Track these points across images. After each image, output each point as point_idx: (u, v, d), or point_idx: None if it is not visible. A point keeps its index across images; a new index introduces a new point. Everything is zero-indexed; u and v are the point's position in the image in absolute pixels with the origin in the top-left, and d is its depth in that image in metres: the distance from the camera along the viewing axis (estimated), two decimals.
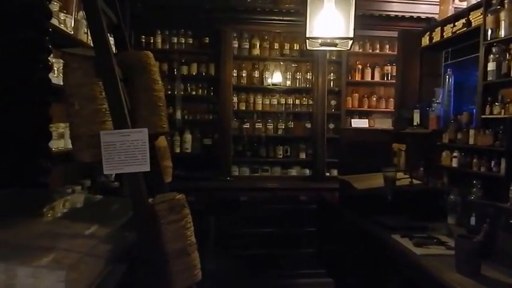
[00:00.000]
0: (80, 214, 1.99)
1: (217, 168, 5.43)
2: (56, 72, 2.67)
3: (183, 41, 5.48)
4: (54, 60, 2.60)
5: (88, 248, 1.44)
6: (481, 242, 2.27)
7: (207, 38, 5.52)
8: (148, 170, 1.73)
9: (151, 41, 5.38)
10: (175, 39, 5.47)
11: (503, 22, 3.55)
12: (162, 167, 2.23)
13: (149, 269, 1.72)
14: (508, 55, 3.54)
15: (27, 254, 1.32)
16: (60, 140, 2.78)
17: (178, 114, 5.47)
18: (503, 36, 3.55)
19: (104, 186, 3.43)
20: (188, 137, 5.48)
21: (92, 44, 1.76)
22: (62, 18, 2.86)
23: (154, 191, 1.97)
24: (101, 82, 1.71)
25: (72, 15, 3.07)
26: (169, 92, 5.37)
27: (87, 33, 3.16)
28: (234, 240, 5.12)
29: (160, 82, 2.03)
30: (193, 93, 5.54)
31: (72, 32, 3.04)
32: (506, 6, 3.51)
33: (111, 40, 2.08)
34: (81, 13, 3.17)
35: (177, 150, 5.42)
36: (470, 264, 2.25)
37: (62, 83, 1.80)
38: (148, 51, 2.04)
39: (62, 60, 2.31)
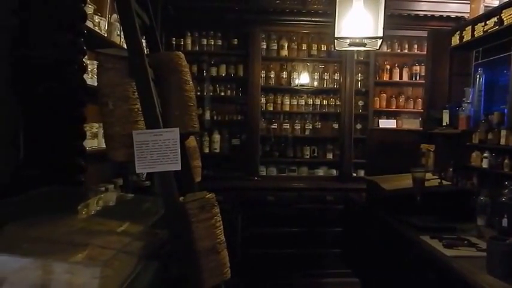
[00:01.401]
0: (114, 212, 2.03)
1: (245, 168, 5.46)
2: (89, 73, 2.73)
3: (212, 43, 5.53)
4: (88, 62, 2.66)
5: (122, 245, 1.47)
6: None
7: (236, 40, 5.56)
8: (180, 169, 1.76)
9: (182, 43, 5.44)
10: (204, 41, 5.51)
11: None
12: (191, 166, 2.27)
13: (181, 266, 1.75)
14: None
15: (64, 250, 1.36)
16: (94, 140, 2.83)
17: (207, 115, 5.52)
18: None
19: (135, 185, 3.49)
20: (217, 137, 5.53)
21: (124, 46, 1.80)
22: (96, 20, 2.91)
23: (184, 190, 2.00)
24: (134, 82, 1.75)
25: (105, 17, 3.12)
26: (199, 93, 5.41)
27: (120, 35, 3.21)
28: (261, 240, 5.14)
29: (191, 82, 2.06)
30: (222, 94, 5.59)
31: (106, 34, 3.09)
32: None
33: (143, 42, 2.12)
34: (115, 15, 3.22)
35: (206, 150, 5.47)
36: (503, 266, 2.22)
37: (95, 84, 1.84)
38: (180, 52, 2.06)
39: (96, 62, 2.36)
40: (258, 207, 5.15)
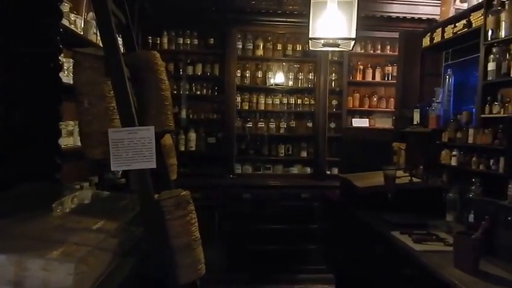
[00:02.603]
0: (90, 209, 2.04)
1: (220, 166, 5.48)
2: (65, 71, 2.72)
3: (189, 42, 5.55)
4: (64, 60, 2.65)
5: (97, 242, 1.48)
6: (479, 239, 2.32)
7: (212, 39, 5.59)
8: (155, 166, 1.77)
9: (158, 42, 5.45)
10: (181, 40, 5.53)
11: (503, 23, 3.56)
12: (167, 164, 2.29)
13: (156, 263, 1.77)
14: (508, 55, 3.55)
15: (39, 247, 1.36)
16: (70, 138, 2.83)
17: (184, 114, 5.55)
18: (503, 36, 3.56)
19: (111, 183, 3.49)
20: (193, 135, 5.55)
21: (101, 44, 1.81)
22: (72, 18, 2.90)
23: (160, 188, 2.02)
24: (110, 81, 1.76)
25: (82, 16, 3.12)
26: (175, 92, 5.44)
27: (96, 34, 3.21)
28: (237, 236, 5.18)
29: (166, 81, 2.08)
30: (198, 92, 5.61)
31: (82, 33, 3.08)
32: (506, 7, 3.52)
33: (120, 40, 2.13)
34: (91, 14, 3.21)
35: (182, 148, 5.49)
36: (469, 260, 2.29)
37: (71, 82, 1.84)
38: (156, 52, 2.08)
39: (72, 60, 2.36)
40: (234, 204, 5.19)
